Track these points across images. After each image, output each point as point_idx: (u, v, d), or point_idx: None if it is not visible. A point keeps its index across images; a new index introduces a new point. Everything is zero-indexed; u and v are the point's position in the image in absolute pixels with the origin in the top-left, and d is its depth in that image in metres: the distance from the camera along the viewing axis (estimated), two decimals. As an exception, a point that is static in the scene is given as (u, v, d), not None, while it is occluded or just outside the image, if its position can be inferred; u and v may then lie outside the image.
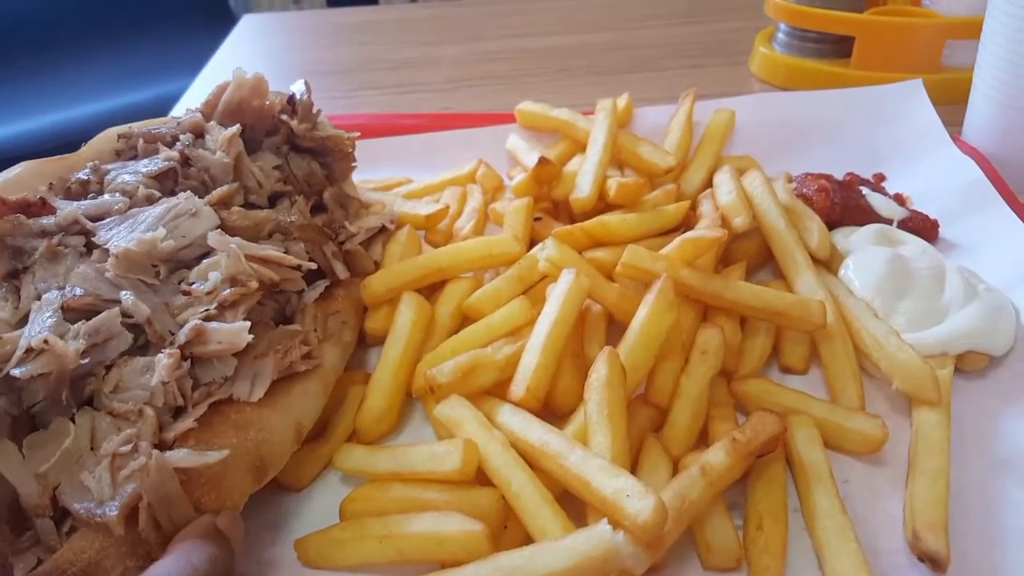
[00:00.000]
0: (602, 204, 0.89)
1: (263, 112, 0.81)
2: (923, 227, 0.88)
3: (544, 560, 0.50)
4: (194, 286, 0.61)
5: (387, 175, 1.06)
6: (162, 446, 0.53)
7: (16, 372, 0.51)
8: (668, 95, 1.28)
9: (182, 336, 0.57)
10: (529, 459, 0.60)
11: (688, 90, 1.07)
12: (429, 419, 0.70)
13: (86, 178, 0.69)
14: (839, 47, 1.27)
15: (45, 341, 0.52)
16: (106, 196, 0.67)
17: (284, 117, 0.81)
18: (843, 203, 0.88)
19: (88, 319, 0.56)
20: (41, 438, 0.51)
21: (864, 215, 0.89)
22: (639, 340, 0.66)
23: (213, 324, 0.58)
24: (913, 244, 0.84)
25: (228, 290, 0.61)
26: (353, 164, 0.86)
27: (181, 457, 0.52)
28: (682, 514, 0.55)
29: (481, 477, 0.60)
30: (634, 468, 0.62)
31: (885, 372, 0.70)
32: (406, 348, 0.70)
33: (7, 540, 0.50)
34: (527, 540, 0.57)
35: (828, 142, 1.04)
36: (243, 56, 1.65)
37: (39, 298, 0.57)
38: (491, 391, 0.68)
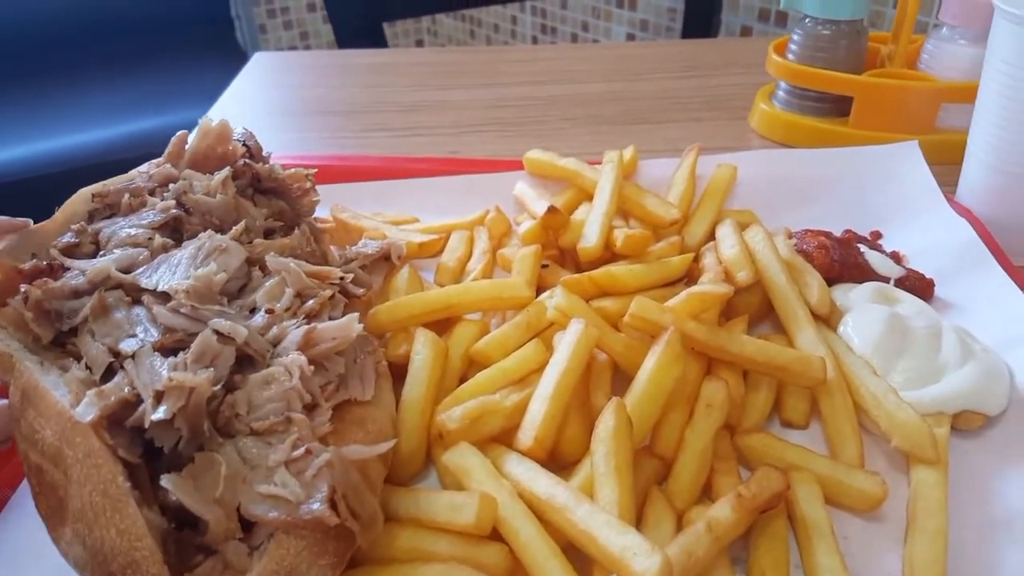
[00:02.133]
0: (608, 254, 0.91)
1: (227, 157, 0.84)
2: (919, 286, 0.91)
3: (554, 614, 0.51)
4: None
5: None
6: None
7: (155, 417, 0.51)
8: (670, 147, 1.31)
9: (292, 343, 0.59)
10: (535, 511, 0.60)
11: (692, 145, 1.10)
12: (435, 465, 0.71)
13: (74, 240, 0.70)
14: (838, 106, 1.31)
15: (170, 379, 0.52)
16: (116, 251, 0.67)
17: (247, 161, 0.83)
18: (842, 260, 0.90)
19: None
20: (191, 472, 0.51)
21: (862, 273, 0.91)
22: (646, 391, 0.68)
23: (320, 324, 0.61)
24: (910, 303, 0.86)
25: (310, 301, 0.64)
26: (316, 199, 0.88)
27: (354, 451, 0.55)
28: (688, 569, 0.56)
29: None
30: (639, 520, 0.63)
31: (884, 430, 0.71)
32: (427, 388, 0.71)
33: None
34: (532, 592, 0.57)
35: (826, 199, 1.07)
36: (254, 91, 1.68)
37: (116, 354, 0.57)
38: (497, 438, 0.69)
